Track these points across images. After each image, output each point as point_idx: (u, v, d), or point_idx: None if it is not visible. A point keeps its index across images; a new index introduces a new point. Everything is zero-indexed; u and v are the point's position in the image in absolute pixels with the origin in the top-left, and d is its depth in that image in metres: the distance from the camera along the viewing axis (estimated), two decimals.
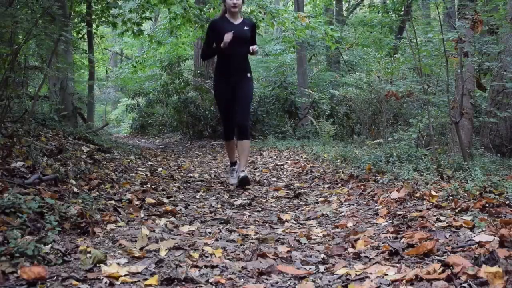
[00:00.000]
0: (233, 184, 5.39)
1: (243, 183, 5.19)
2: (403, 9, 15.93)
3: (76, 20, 9.54)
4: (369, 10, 19.38)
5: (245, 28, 5.34)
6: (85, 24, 10.26)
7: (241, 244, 2.75)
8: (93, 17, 9.91)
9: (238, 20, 5.40)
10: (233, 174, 5.61)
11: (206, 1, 12.23)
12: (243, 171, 5.29)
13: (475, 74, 6.04)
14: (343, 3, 18.54)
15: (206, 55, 5.83)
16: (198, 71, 14.55)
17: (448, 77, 5.46)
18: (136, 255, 2.39)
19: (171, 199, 4.33)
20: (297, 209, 4.14)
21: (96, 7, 9.84)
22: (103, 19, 9.87)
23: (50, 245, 2.30)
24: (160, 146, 11.64)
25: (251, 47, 5.26)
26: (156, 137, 14.99)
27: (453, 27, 5.70)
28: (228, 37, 5.11)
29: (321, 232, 3.15)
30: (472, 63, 5.68)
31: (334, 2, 17.53)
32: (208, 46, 5.50)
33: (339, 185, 5.04)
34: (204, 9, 11.01)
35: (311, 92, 12.39)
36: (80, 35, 10.68)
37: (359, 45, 16.61)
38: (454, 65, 5.89)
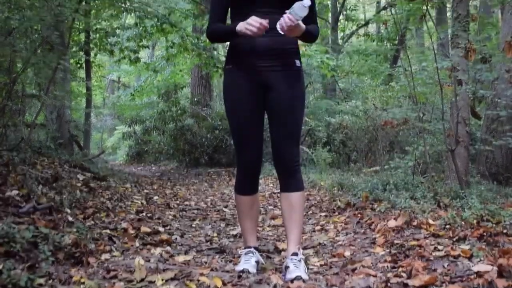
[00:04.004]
0: (250, 273, 2.77)
1: None
2: (397, 38, 16.07)
3: (74, 49, 9.59)
4: (364, 39, 19.57)
5: None
6: (84, 53, 10.32)
7: (239, 276, 2.71)
8: (91, 46, 9.96)
9: None
10: (248, 259, 2.90)
11: (203, 29, 12.32)
12: (297, 258, 2.76)
13: (469, 102, 6.07)
14: (338, 32, 18.70)
15: (210, 36, 3.06)
16: (195, 99, 14.61)
17: (443, 105, 5.48)
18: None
19: (166, 227, 4.30)
20: None
21: (94, 36, 9.90)
22: (101, 47, 9.92)
23: (43, 276, 2.27)
24: (156, 174, 11.61)
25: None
26: (153, 165, 14.97)
27: (446, 56, 5.74)
28: (255, 21, 2.65)
29: (318, 261, 3.12)
30: (466, 91, 5.71)
31: (330, 31, 17.67)
32: (218, 11, 3.00)
33: (336, 213, 5.01)
34: (201, 37, 11.09)
35: (307, 119, 12.41)
36: (78, 64, 10.73)
37: (354, 73, 16.71)
38: (448, 93, 5.92)
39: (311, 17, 2.84)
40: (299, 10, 2.59)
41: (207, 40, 11.02)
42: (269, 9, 2.78)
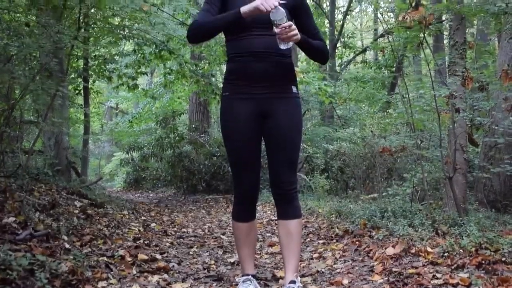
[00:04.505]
0: None
1: None
2: (395, 65, 16.20)
3: (73, 75, 9.63)
4: (362, 66, 19.71)
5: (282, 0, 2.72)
6: (82, 79, 10.36)
7: None
8: (90, 72, 10.01)
9: None
10: (246, 287, 2.96)
11: (202, 56, 12.40)
12: (295, 286, 2.84)
13: (467, 130, 6.09)
14: (336, 59, 18.84)
15: (199, 29, 2.85)
16: (193, 125, 14.65)
17: (440, 132, 5.50)
18: None
19: (164, 255, 4.27)
20: None
21: (93, 63, 9.95)
22: (100, 74, 9.97)
23: None
24: (154, 201, 11.57)
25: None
26: (150, 191, 14.93)
27: (444, 84, 5.78)
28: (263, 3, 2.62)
29: None
30: (464, 119, 5.74)
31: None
32: (208, 14, 2.87)
33: (334, 240, 4.99)
34: (200, 64, 11.16)
35: (305, 146, 12.43)
36: (77, 91, 10.77)
37: (352, 100, 16.79)
38: (446, 121, 5.94)
39: (310, 30, 2.91)
40: (273, 15, 2.62)
41: (205, 67, 11.12)
42: (263, 31, 2.79)
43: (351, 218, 5.60)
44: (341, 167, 11.47)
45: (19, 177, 5.59)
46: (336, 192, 10.86)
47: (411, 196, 6.66)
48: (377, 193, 8.10)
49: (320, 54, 2.98)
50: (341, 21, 18.70)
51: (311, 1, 19.03)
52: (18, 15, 6.31)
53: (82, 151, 11.16)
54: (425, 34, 5.35)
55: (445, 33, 10.68)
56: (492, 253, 3.23)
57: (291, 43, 2.72)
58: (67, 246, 3.56)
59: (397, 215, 5.14)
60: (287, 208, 2.92)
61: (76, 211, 5.26)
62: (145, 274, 3.43)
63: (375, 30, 23.81)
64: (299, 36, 2.71)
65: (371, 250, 4.09)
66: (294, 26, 2.67)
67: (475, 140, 6.65)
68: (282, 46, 2.70)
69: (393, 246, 3.82)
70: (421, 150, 6.07)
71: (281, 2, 2.68)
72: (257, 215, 3.10)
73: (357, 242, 4.53)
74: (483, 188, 7.33)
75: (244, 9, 2.69)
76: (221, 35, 3.18)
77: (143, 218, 6.73)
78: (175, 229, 6.24)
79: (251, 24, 2.79)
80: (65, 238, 3.82)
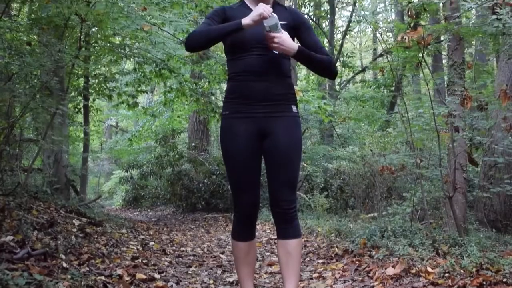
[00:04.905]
0: None
1: None
2: (394, 84, 16.26)
3: (73, 94, 9.65)
4: (361, 85, 19.77)
5: (282, 21, 2.79)
6: (82, 98, 10.38)
7: None
8: (90, 91, 10.03)
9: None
10: None
11: (201, 75, 12.43)
12: None
13: (466, 149, 6.09)
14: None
15: (198, 36, 2.80)
16: (193, 144, 14.64)
17: (440, 152, 5.50)
18: None
19: (162, 274, 4.25)
20: None
21: (93, 81, 9.98)
22: (100, 92, 9.99)
23: None
24: (153, 219, 11.53)
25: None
26: (149, 210, 14.87)
27: (443, 103, 5.80)
28: (266, 11, 2.65)
29: None
30: (463, 138, 5.74)
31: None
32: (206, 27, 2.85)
33: (334, 260, 4.97)
34: (200, 83, 11.18)
35: (304, 165, 12.42)
36: (77, 109, 10.79)
37: (351, 119, 16.81)
38: (445, 140, 5.95)
39: (313, 46, 2.89)
40: (266, 22, 2.65)
41: (205, 86, 11.14)
42: (263, 51, 2.80)
43: (351, 237, 5.57)
44: (340, 186, 11.46)
45: (18, 195, 5.57)
46: (336, 211, 10.83)
47: (411, 216, 6.64)
48: (377, 212, 8.08)
49: (325, 67, 2.94)
50: (341, 41, 18.81)
51: (311, 21, 19.16)
52: (19, 34, 6.34)
53: (81, 169, 11.15)
54: (424, 54, 5.38)
55: (444, 53, 10.76)
56: (493, 273, 3.21)
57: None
58: (64, 265, 3.53)
59: (397, 235, 5.12)
60: (286, 227, 2.88)
61: (75, 230, 5.23)
62: None
63: (374, 49, 23.95)
64: (286, 48, 2.73)
65: (371, 270, 4.07)
66: (281, 39, 2.70)
67: (475, 160, 6.65)
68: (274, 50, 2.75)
69: (393, 266, 3.80)
70: (421, 169, 6.06)
71: (282, 22, 2.73)
72: (256, 234, 3.09)
73: (357, 262, 4.50)
74: (483, 208, 7.31)
75: (246, 20, 2.68)
76: (222, 54, 3.19)
77: (141, 236, 6.69)
78: (174, 248, 6.21)
79: (252, 43, 2.80)
80: (63, 257, 3.79)
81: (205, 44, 2.90)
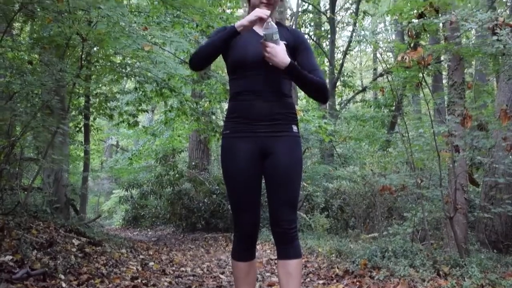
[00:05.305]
0: None
1: None
2: (394, 104, 16.30)
3: (74, 112, 9.68)
4: (361, 105, 19.82)
5: (283, 41, 2.83)
6: (83, 117, 10.41)
7: None
8: (91, 110, 10.06)
9: None
10: None
11: (202, 94, 12.47)
12: None
13: (467, 169, 6.09)
14: (336, 97, 18.97)
15: (199, 53, 2.90)
16: (193, 163, 14.64)
17: (440, 172, 5.49)
18: None
19: None
20: None
21: (94, 100, 10.01)
22: (101, 111, 10.02)
23: None
24: (153, 239, 11.48)
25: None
26: (149, 229, 14.82)
27: (443, 122, 5.81)
28: (263, 12, 2.72)
29: None
30: (464, 158, 5.74)
31: None
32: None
33: (334, 281, 4.94)
34: (200, 102, 11.21)
35: (305, 184, 12.40)
36: (77, 128, 10.81)
37: (352, 138, 16.83)
38: (446, 160, 5.95)
39: (308, 67, 2.88)
40: (264, 30, 2.69)
41: (206, 105, 11.17)
42: (263, 71, 2.80)
43: (352, 257, 5.55)
44: (341, 205, 11.43)
45: (18, 215, 5.56)
46: (336, 231, 10.80)
47: (412, 236, 6.61)
48: (377, 233, 8.06)
49: (317, 89, 2.90)
50: (341, 60, 18.89)
51: (311, 41, 19.27)
52: (21, 53, 6.38)
53: (81, 188, 11.14)
54: (424, 74, 5.40)
55: (444, 73, 10.79)
56: None
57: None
58: (64, 285, 3.52)
59: (398, 255, 5.10)
60: (287, 248, 2.85)
61: (74, 249, 5.21)
62: None
63: (375, 69, 24.07)
64: (276, 61, 2.72)
65: None
66: (275, 51, 2.71)
67: (476, 180, 6.64)
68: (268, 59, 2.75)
69: (394, 287, 3.77)
70: (422, 189, 6.05)
71: (283, 42, 2.75)
72: (256, 254, 3.07)
73: (357, 283, 4.48)
74: (485, 229, 7.28)
75: (241, 21, 2.75)
76: (223, 73, 3.21)
77: (141, 256, 6.66)
78: (174, 268, 6.18)
79: (253, 63, 2.81)
80: (62, 277, 3.77)
81: (206, 58, 2.91)
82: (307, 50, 2.97)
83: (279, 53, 2.71)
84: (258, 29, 2.92)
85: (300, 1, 18.82)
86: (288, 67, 2.74)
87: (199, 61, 2.91)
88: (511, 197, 6.70)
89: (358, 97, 20.42)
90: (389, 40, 22.28)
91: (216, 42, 2.83)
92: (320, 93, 2.92)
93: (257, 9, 2.72)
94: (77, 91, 8.73)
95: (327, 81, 18.74)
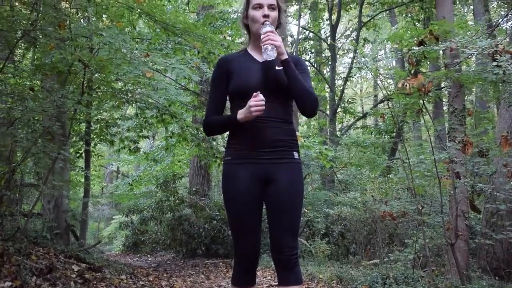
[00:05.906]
0: None
1: None
2: (395, 131, 16.34)
3: (74, 138, 9.70)
4: (362, 131, 19.86)
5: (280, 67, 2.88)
6: (84, 143, 10.42)
7: None
8: (92, 136, 10.08)
9: None
10: None
11: (203, 120, 12.51)
12: None
13: (468, 196, 6.08)
14: (336, 124, 19.02)
15: (208, 128, 3.10)
16: (194, 189, 14.62)
17: (441, 198, 5.49)
18: None
19: None
20: None
21: (95, 126, 10.03)
22: (102, 137, 10.04)
23: None
24: (153, 265, 11.41)
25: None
26: (149, 255, 14.74)
27: (444, 149, 5.82)
28: (257, 100, 2.73)
29: None
30: (464, 185, 5.74)
31: (328, 123, 17.97)
32: (215, 104, 3.06)
33: None
34: (201, 128, 11.24)
35: (305, 210, 12.37)
36: (78, 154, 10.82)
37: (353, 164, 16.83)
38: (447, 186, 5.94)
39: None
40: (265, 56, 2.76)
41: None
42: (265, 98, 2.78)
43: (352, 284, 5.52)
44: (342, 232, 11.39)
45: (17, 241, 5.55)
46: (337, 257, 10.74)
47: (413, 262, 6.58)
48: (378, 259, 8.02)
49: (309, 97, 2.85)
50: (341, 87, 18.97)
51: (312, 68, 19.39)
52: (23, 79, 6.42)
53: (82, 214, 11.12)
54: (425, 101, 5.43)
55: (444, 99, 10.85)
56: None
57: (274, 53, 2.75)
58: None
59: (399, 282, 5.07)
60: (288, 274, 2.83)
61: (74, 276, 5.18)
62: None
63: (375, 96, 24.18)
64: (281, 45, 2.78)
65: None
66: (276, 36, 2.78)
67: (477, 206, 6.64)
68: (265, 56, 2.75)
69: None
70: (422, 215, 6.03)
71: (281, 68, 2.83)
72: (257, 280, 3.05)
73: None
74: (486, 255, 7.25)
75: (239, 115, 2.82)
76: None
77: (141, 282, 6.62)
78: None
79: (254, 90, 2.80)
80: None
81: (217, 133, 3.29)
82: (304, 72, 2.99)
83: (281, 42, 2.78)
84: (258, 56, 2.97)
85: (301, 29, 18.98)
86: (286, 59, 2.81)
87: (211, 134, 3.25)
88: None
89: (359, 123, 20.47)
90: (389, 67, 22.45)
91: (220, 128, 3.06)
92: (309, 102, 2.88)
93: (251, 101, 2.75)
94: (78, 117, 8.75)
95: (328, 107, 18.83)
